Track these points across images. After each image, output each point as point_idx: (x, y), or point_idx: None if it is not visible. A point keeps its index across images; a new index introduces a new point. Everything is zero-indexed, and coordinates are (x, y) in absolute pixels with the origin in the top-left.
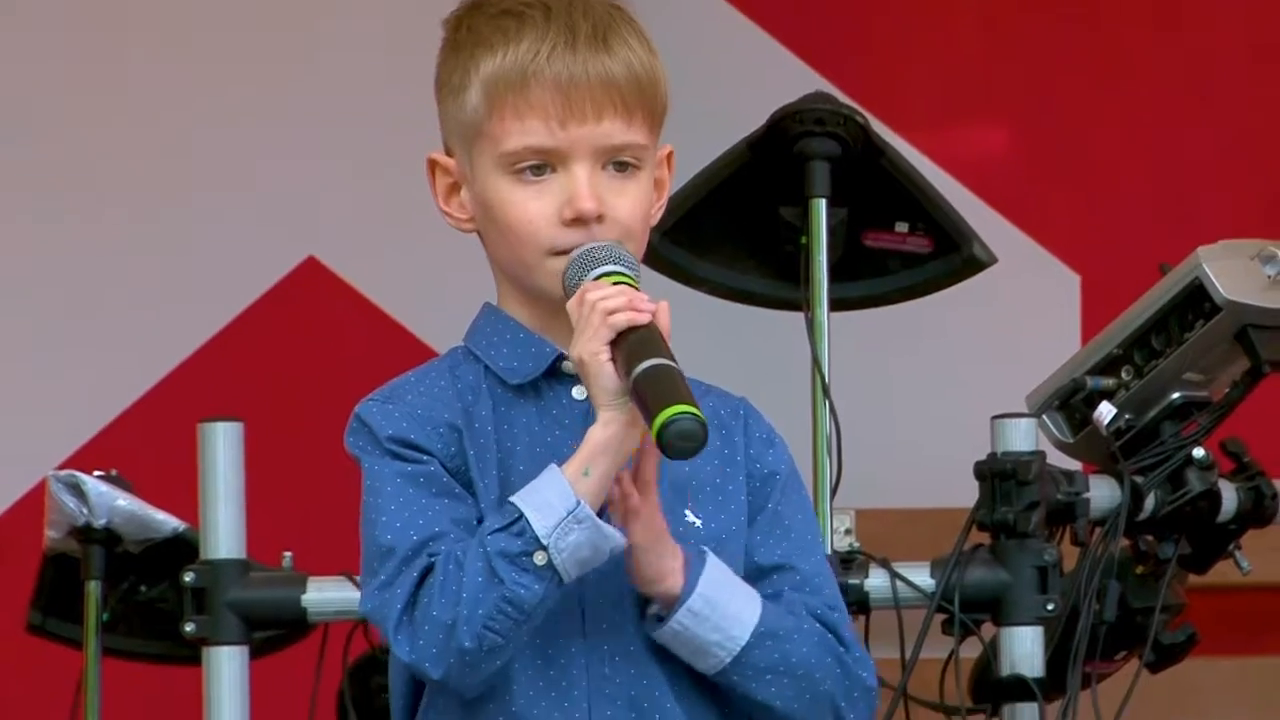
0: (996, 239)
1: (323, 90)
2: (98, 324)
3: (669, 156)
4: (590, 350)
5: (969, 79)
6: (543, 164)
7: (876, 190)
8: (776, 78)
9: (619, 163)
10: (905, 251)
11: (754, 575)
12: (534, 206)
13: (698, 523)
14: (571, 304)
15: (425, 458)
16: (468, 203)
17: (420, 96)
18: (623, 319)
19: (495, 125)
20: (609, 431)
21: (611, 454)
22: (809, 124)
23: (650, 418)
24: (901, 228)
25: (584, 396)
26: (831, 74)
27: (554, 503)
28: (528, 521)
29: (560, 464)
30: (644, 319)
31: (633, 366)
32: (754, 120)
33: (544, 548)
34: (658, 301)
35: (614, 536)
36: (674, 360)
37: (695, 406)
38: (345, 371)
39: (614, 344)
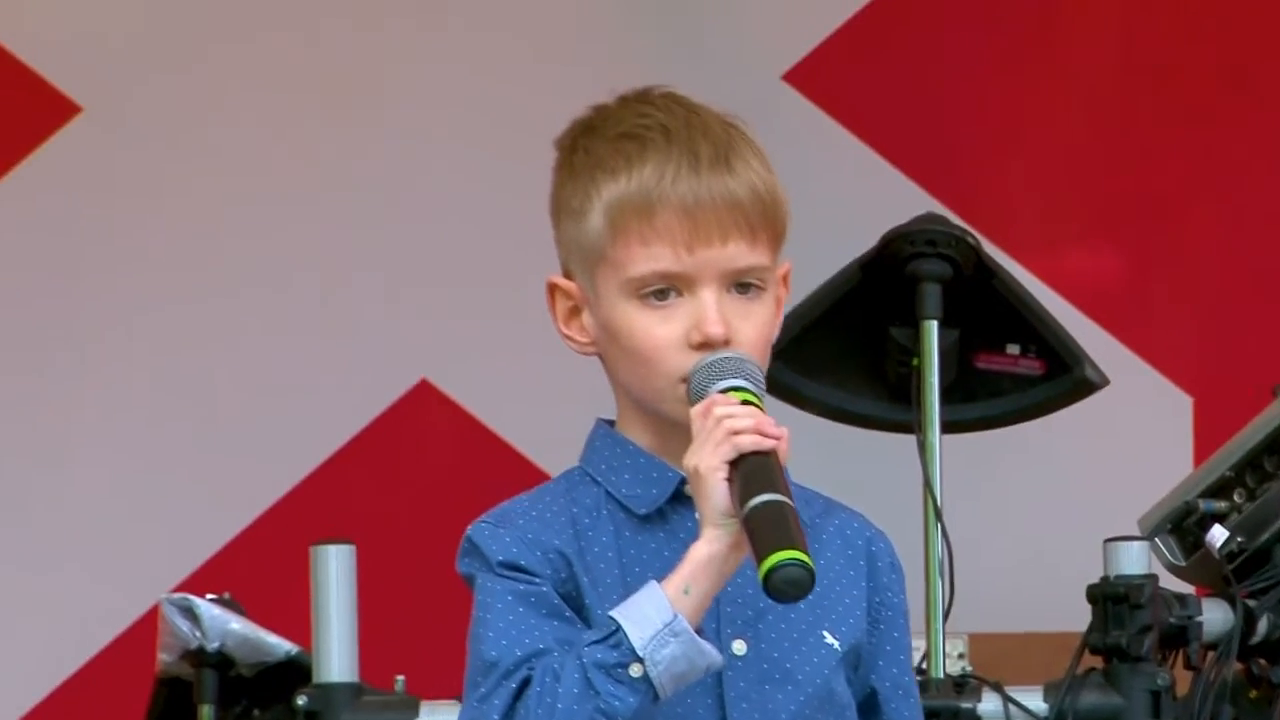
0: (1108, 360)
1: (432, 214)
2: (211, 448)
3: (786, 275)
4: (709, 465)
5: (1079, 199)
6: (668, 288)
7: (988, 311)
8: (888, 198)
9: (743, 284)
10: (1017, 373)
11: (868, 699)
12: (661, 332)
13: (836, 644)
14: (696, 411)
15: (537, 579)
16: (589, 326)
17: (529, 217)
18: (748, 441)
19: (620, 251)
20: (712, 549)
21: (713, 573)
22: (920, 245)
23: (760, 557)
24: (1013, 349)
25: None
26: (942, 195)
27: (651, 616)
28: (625, 633)
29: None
30: (768, 445)
31: (748, 496)
32: (865, 241)
33: (640, 660)
34: (780, 427)
35: (710, 653)
36: (790, 496)
37: (805, 551)
38: (458, 494)
39: (732, 464)
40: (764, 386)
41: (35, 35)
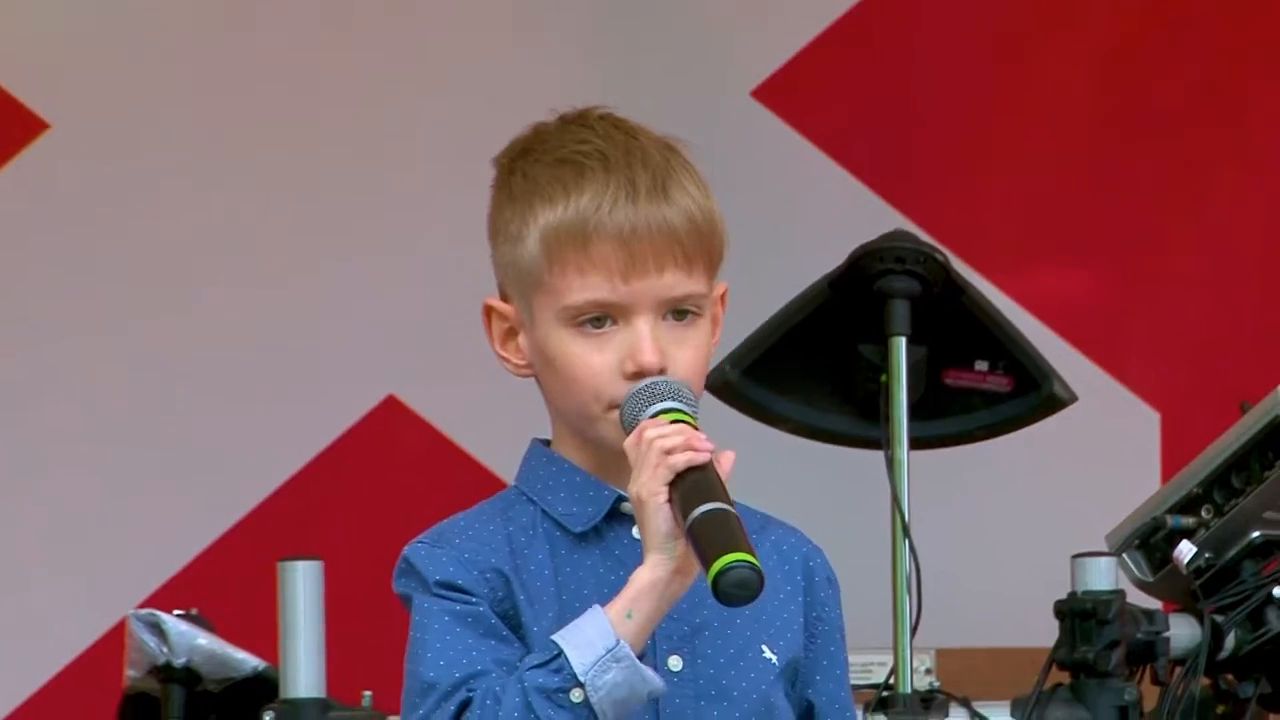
0: (1076, 377)
1: (400, 230)
2: (177, 463)
3: (723, 295)
4: (649, 490)
5: (1048, 217)
6: (603, 316)
7: (957, 328)
8: (856, 215)
9: (679, 311)
10: (985, 390)
11: (804, 714)
12: (596, 360)
13: (774, 658)
14: (629, 442)
15: (474, 599)
16: (525, 348)
17: None
18: (681, 459)
19: (556, 278)
20: (656, 574)
21: (656, 597)
22: (889, 262)
23: (706, 563)
24: (982, 366)
25: None
26: (911, 212)
27: (594, 641)
28: (566, 658)
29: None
30: (703, 459)
31: (690, 509)
32: (834, 258)
33: (581, 685)
34: (724, 451)
35: (652, 679)
36: (731, 504)
37: (752, 554)
38: (425, 510)
39: (671, 484)
40: (696, 405)
41: (2, 51)
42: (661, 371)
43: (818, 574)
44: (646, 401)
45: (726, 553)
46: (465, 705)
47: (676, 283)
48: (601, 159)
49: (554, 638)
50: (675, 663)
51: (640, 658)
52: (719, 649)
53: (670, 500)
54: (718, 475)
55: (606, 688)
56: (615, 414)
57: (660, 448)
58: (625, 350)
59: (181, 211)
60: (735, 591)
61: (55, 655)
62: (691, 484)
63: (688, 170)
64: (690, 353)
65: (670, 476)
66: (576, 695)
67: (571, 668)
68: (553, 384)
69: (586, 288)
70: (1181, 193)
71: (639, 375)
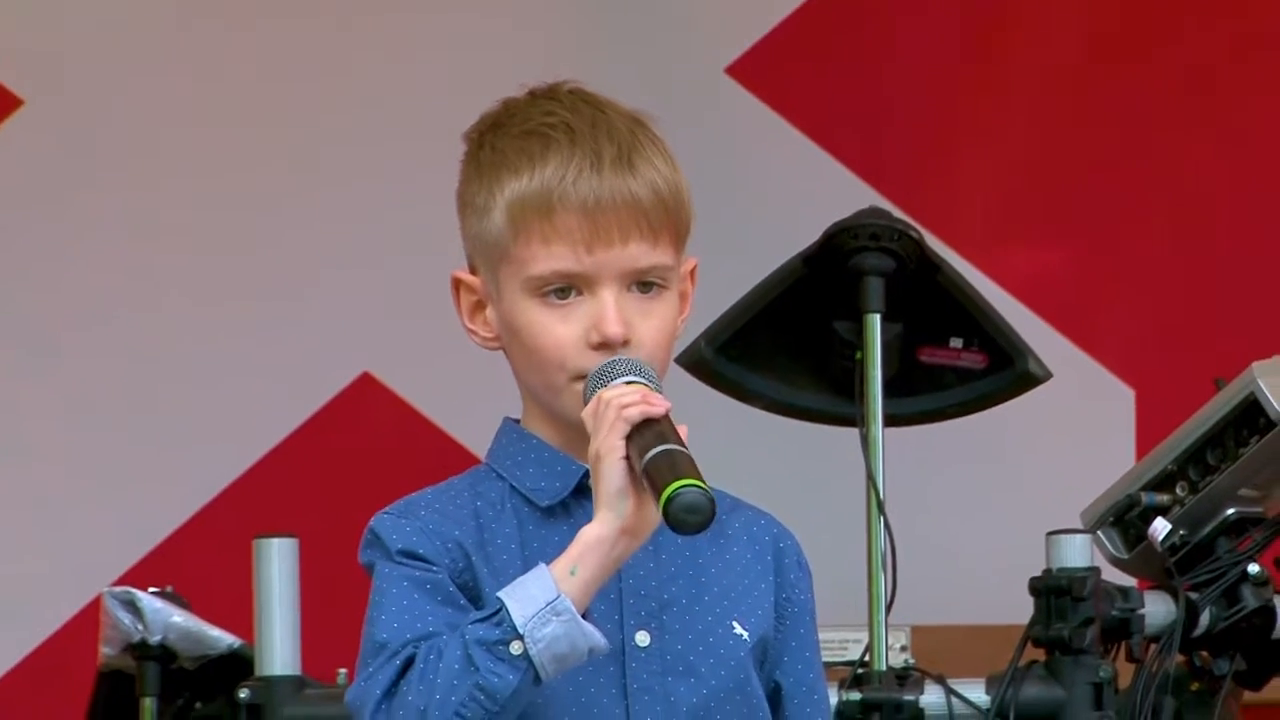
0: (1051, 354)
1: (377, 206)
2: (153, 440)
3: (693, 270)
4: (609, 445)
5: (1023, 194)
6: (568, 286)
7: (931, 305)
8: (831, 192)
9: (644, 283)
10: (960, 367)
11: (772, 695)
12: (561, 331)
13: (745, 635)
14: (587, 411)
15: (434, 568)
16: (493, 321)
17: None
18: (636, 412)
19: (521, 249)
20: (602, 531)
21: (601, 555)
22: (864, 239)
23: (657, 494)
24: (956, 343)
25: None
26: (886, 189)
27: (535, 595)
28: (507, 611)
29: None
30: (658, 412)
31: (644, 454)
32: (809, 235)
33: (520, 637)
34: (679, 424)
35: (593, 635)
36: (686, 448)
37: (703, 482)
38: (400, 487)
39: (628, 439)
40: (658, 380)
41: None
42: (625, 342)
43: (788, 556)
44: (607, 379)
45: (675, 481)
46: (410, 661)
47: (641, 254)
48: (567, 131)
49: (498, 594)
50: (643, 638)
51: (602, 631)
52: (687, 625)
53: (627, 456)
54: (673, 426)
55: (546, 640)
56: (580, 385)
57: (617, 405)
58: (590, 321)
59: (155, 190)
60: (686, 517)
61: (30, 632)
62: (646, 434)
63: (654, 143)
64: (655, 324)
65: (627, 430)
66: (516, 648)
67: (511, 620)
68: (519, 355)
69: (551, 258)
70: (1156, 171)
71: (603, 346)
